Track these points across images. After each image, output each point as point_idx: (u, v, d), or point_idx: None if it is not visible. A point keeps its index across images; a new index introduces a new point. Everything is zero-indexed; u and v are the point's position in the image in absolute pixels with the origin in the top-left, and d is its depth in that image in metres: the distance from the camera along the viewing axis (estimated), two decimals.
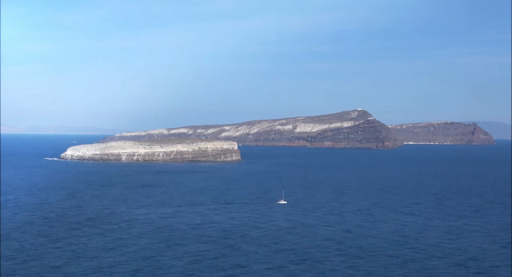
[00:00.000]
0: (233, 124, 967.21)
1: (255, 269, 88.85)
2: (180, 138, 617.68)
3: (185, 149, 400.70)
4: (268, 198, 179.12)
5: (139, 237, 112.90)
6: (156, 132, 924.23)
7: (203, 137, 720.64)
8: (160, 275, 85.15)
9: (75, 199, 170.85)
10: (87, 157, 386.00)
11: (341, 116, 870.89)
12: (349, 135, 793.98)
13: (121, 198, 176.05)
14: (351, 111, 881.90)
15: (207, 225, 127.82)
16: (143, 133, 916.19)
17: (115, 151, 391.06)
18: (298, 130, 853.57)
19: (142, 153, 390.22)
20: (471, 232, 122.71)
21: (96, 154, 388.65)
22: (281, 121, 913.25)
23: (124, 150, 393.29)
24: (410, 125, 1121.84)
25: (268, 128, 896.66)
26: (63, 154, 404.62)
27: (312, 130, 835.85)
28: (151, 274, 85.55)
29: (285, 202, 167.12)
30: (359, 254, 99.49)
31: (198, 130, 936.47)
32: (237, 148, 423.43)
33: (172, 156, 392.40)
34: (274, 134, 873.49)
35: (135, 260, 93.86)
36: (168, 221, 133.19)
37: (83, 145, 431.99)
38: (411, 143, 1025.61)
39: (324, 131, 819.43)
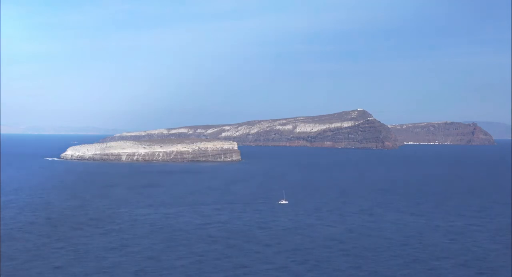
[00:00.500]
0: (233, 124, 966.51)
1: (258, 269, 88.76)
2: (180, 138, 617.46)
3: (185, 149, 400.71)
4: (269, 198, 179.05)
5: (141, 237, 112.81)
6: (156, 132, 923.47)
7: (203, 137, 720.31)
8: (163, 275, 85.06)
9: (77, 199, 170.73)
10: (87, 157, 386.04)
11: (341, 116, 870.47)
12: (349, 135, 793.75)
13: (123, 198, 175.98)
14: (351, 111, 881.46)
15: (209, 225, 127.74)
16: (143, 133, 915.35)
17: (115, 151, 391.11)
18: (298, 130, 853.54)
19: (142, 153, 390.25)
20: (473, 232, 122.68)
21: (96, 154, 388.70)
22: (281, 121, 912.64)
23: (124, 150, 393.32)
24: (410, 125, 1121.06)
25: (268, 128, 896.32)
26: (63, 154, 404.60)
27: (312, 130, 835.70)
28: (154, 274, 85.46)
29: (286, 202, 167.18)
30: (362, 254, 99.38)
31: (198, 130, 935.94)
32: (237, 148, 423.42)
33: (172, 156, 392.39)
34: (274, 134, 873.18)
35: (138, 260, 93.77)
36: (170, 221, 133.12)
37: (83, 145, 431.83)
38: (411, 143, 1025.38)
39: (324, 131, 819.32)
